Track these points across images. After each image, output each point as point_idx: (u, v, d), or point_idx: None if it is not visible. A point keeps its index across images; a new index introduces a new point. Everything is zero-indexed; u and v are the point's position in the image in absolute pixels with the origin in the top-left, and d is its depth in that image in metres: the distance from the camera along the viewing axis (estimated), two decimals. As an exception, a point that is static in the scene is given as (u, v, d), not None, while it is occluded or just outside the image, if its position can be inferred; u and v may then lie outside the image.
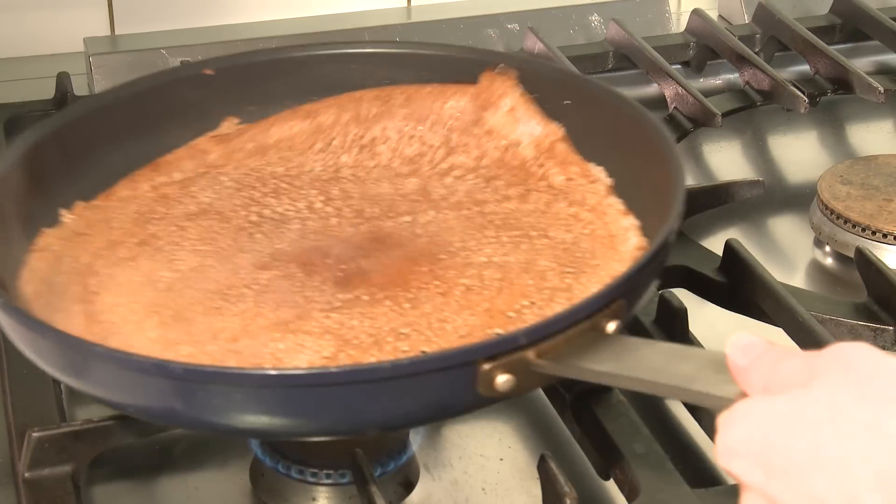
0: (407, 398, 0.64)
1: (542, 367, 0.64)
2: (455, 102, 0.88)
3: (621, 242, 0.78)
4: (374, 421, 0.66)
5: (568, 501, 0.71)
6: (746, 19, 1.30)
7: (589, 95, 0.84)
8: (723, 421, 0.55)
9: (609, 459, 0.76)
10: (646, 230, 0.77)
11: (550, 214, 0.82)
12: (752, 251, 0.90)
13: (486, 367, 0.63)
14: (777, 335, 0.86)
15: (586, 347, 0.65)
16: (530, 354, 0.64)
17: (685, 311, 0.85)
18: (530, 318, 0.72)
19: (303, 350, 0.70)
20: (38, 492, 0.74)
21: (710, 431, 0.79)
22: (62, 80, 1.14)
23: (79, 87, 1.15)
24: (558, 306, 0.73)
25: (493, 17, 1.28)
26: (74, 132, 0.83)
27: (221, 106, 0.89)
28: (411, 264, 0.77)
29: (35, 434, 0.74)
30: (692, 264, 0.92)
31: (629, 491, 0.74)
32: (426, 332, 0.72)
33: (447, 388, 0.64)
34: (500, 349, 0.63)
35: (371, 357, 0.70)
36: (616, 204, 0.80)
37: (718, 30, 1.24)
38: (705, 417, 0.80)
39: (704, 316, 0.89)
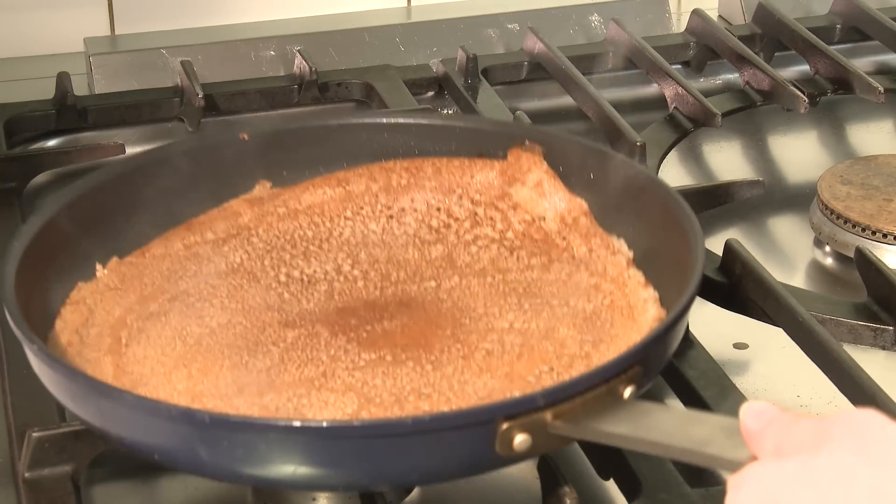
0: (427, 455, 0.66)
1: (558, 428, 0.65)
2: (483, 176, 0.90)
3: (640, 313, 0.79)
4: (393, 477, 0.68)
5: (568, 501, 0.71)
6: (746, 19, 1.30)
7: (612, 169, 0.86)
8: (733, 482, 0.56)
9: (609, 459, 0.76)
10: (664, 301, 0.79)
11: (572, 284, 0.83)
12: (752, 251, 0.90)
13: (505, 426, 0.65)
14: (777, 335, 0.86)
15: (602, 411, 0.66)
16: (548, 416, 0.65)
17: (685, 311, 0.85)
18: (549, 384, 0.74)
19: (326, 406, 0.73)
20: (38, 492, 0.74)
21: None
22: (62, 80, 1.14)
23: (79, 87, 1.15)
24: (577, 373, 0.75)
25: (493, 17, 1.28)
26: (112, 191, 0.86)
27: (255, 170, 0.91)
28: (434, 327, 0.80)
29: (35, 434, 0.74)
30: (692, 264, 0.92)
31: (629, 491, 0.74)
32: (447, 392, 0.74)
33: (466, 446, 0.66)
34: (519, 409, 0.65)
35: (393, 415, 0.72)
36: (636, 275, 0.82)
37: (718, 30, 1.24)
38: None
39: (704, 316, 0.89)
